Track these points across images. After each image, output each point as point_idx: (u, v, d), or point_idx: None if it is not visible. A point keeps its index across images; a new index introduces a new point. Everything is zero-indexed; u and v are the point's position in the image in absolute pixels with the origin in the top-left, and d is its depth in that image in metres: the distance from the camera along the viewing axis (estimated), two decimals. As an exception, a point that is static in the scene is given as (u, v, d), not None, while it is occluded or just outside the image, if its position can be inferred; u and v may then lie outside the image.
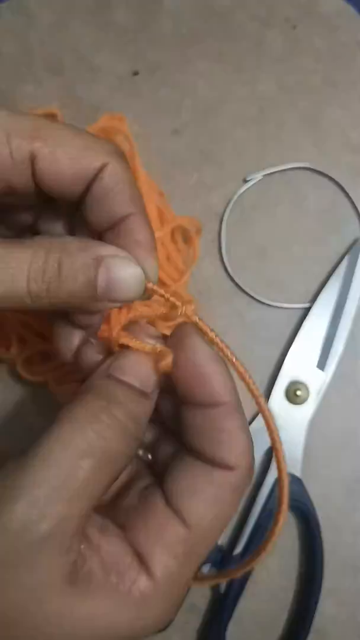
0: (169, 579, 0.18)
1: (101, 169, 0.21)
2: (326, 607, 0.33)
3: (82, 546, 0.18)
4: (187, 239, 0.34)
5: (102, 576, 0.18)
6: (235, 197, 0.36)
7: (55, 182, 0.20)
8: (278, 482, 0.21)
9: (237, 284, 0.35)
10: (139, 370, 0.20)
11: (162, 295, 0.21)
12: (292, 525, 0.34)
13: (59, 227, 0.24)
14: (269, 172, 0.36)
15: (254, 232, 0.36)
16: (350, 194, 0.36)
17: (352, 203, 0.36)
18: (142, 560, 0.18)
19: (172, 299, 0.21)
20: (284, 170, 0.36)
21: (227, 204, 0.36)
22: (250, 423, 0.33)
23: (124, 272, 0.20)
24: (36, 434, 0.32)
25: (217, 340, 0.21)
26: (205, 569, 0.32)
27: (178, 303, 0.21)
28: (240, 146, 0.36)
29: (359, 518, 0.34)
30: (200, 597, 0.33)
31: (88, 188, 0.21)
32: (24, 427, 0.34)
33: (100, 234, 0.22)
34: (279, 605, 0.33)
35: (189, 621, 0.33)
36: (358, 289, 0.35)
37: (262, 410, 0.21)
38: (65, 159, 0.20)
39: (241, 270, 0.35)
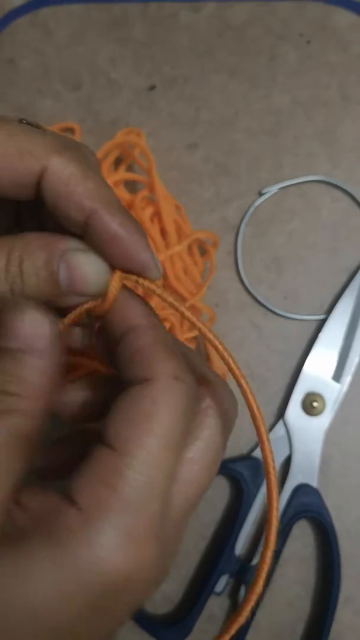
0: (100, 506, 0.17)
1: (43, 173, 0.19)
2: (343, 616, 0.34)
3: (13, 513, 0.18)
4: (204, 252, 0.35)
5: (31, 526, 0.17)
6: (251, 209, 0.37)
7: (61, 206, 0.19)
8: (268, 510, 0.20)
9: (253, 296, 0.36)
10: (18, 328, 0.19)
11: (151, 289, 0.20)
12: (309, 535, 0.34)
13: (35, 222, 0.23)
14: (284, 185, 0.37)
15: (270, 244, 0.37)
16: (364, 206, 0.37)
17: (367, 215, 0.37)
18: (70, 500, 0.17)
19: (158, 291, 0.20)
20: (299, 183, 0.38)
21: (243, 216, 0.37)
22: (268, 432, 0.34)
23: (84, 265, 0.19)
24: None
25: (221, 350, 0.20)
26: (223, 579, 0.33)
27: (168, 297, 0.20)
28: (256, 159, 0.38)
29: (375, 528, 0.34)
30: (218, 606, 0.34)
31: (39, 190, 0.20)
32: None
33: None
34: (297, 614, 0.34)
35: (208, 630, 0.34)
36: (373, 300, 0.36)
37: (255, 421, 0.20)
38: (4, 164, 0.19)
39: (257, 282, 0.37)
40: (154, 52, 0.38)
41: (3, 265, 0.19)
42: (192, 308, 0.33)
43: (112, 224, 0.19)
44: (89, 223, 0.19)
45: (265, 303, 0.36)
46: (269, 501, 0.20)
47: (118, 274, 0.20)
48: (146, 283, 0.20)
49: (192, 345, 0.35)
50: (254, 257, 0.37)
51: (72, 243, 0.20)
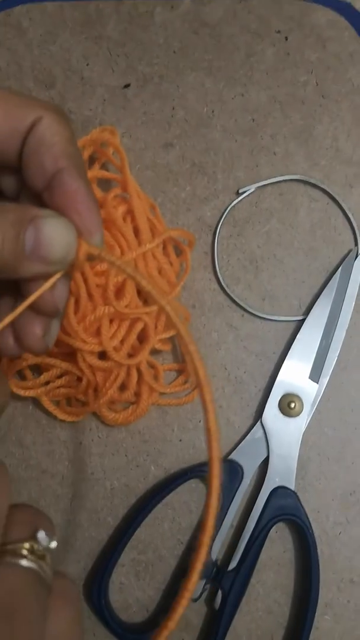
0: None
1: (35, 123, 0.21)
2: (322, 622, 0.34)
3: None
4: (180, 253, 0.35)
5: None
6: (228, 209, 0.37)
7: None
8: (207, 494, 0.19)
9: (230, 297, 0.36)
10: None
11: (109, 260, 0.21)
12: (287, 540, 0.34)
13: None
14: (261, 184, 0.37)
15: (247, 244, 0.37)
16: (343, 206, 0.37)
17: (345, 214, 0.37)
18: None
19: (118, 262, 0.21)
20: (277, 182, 0.38)
21: (220, 216, 0.37)
22: (246, 434, 0.34)
23: (54, 230, 0.20)
24: (25, 448, 0.33)
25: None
26: (200, 585, 0.33)
27: (126, 268, 0.21)
28: (233, 159, 0.38)
29: (355, 532, 0.34)
30: (195, 614, 0.34)
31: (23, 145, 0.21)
32: (13, 442, 0.35)
33: (39, 197, 0.22)
34: (275, 620, 0.34)
35: (184, 639, 0.33)
36: (351, 300, 0.36)
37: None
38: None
39: (234, 283, 0.36)
40: (129, 50, 0.38)
41: None
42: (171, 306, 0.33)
43: (77, 180, 0.21)
44: (56, 179, 0.21)
45: (243, 304, 0.36)
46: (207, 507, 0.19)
47: (84, 244, 0.21)
48: (116, 261, 0.21)
49: (167, 347, 0.35)
50: (231, 257, 0.37)
51: (45, 211, 0.20)
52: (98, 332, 0.31)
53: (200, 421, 0.35)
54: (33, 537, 0.18)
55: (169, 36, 0.39)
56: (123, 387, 0.33)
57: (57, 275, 0.21)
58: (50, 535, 0.18)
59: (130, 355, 0.32)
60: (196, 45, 0.39)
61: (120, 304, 0.31)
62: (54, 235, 0.20)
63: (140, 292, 0.33)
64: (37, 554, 0.18)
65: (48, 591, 0.18)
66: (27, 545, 0.18)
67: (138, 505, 0.34)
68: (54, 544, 0.18)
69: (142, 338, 0.33)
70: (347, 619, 0.34)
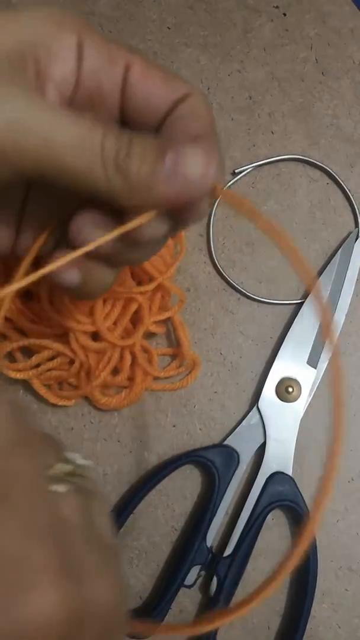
0: None
1: (186, 96, 0.23)
2: (320, 611, 0.34)
3: None
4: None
5: None
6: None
7: (143, 94, 0.22)
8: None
9: (226, 280, 0.36)
10: None
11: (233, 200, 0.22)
12: (283, 526, 0.35)
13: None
14: (258, 164, 0.37)
15: (244, 226, 0.37)
16: (343, 186, 0.37)
17: (346, 195, 0.38)
18: None
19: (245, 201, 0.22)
20: (275, 162, 0.38)
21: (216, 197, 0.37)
22: (241, 420, 0.35)
23: (195, 158, 0.21)
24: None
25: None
26: (194, 572, 0.33)
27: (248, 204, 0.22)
28: (229, 138, 0.38)
29: (353, 519, 0.35)
30: (189, 600, 0.34)
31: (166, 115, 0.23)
32: None
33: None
34: (271, 608, 0.34)
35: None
36: (351, 284, 0.36)
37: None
38: (158, 77, 0.23)
39: (231, 265, 0.37)
40: (122, 26, 0.38)
41: (114, 140, 0.20)
42: (161, 288, 0.33)
43: (216, 147, 0.22)
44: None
45: (239, 287, 0.36)
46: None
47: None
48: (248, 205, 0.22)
49: (162, 330, 0.35)
50: (226, 239, 0.37)
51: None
52: (91, 312, 0.31)
53: (195, 406, 0.35)
54: (64, 459, 0.19)
55: (163, 11, 0.39)
56: (116, 372, 0.33)
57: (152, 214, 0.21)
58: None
59: (123, 338, 0.32)
60: (191, 21, 0.39)
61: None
62: (197, 161, 0.20)
63: (133, 273, 0.33)
64: (77, 474, 0.19)
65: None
66: (66, 468, 0.18)
67: (131, 492, 0.34)
68: (87, 462, 0.19)
69: (135, 322, 0.33)
70: (345, 608, 0.34)
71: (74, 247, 0.22)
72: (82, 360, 0.32)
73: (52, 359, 0.32)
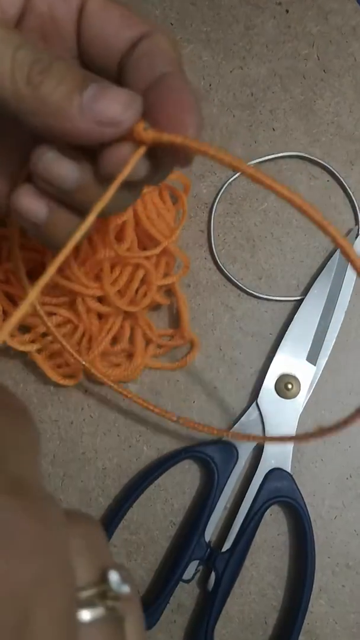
0: None
1: (148, 34, 0.22)
2: (317, 607, 0.35)
3: None
4: (175, 200, 0.36)
5: None
6: (225, 186, 0.37)
7: (99, 29, 0.22)
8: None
9: (227, 276, 0.37)
10: None
11: (167, 142, 0.20)
12: (282, 522, 0.35)
13: None
14: (259, 161, 0.38)
15: (244, 222, 0.37)
16: (344, 183, 0.38)
17: (346, 193, 0.38)
18: None
19: (182, 140, 0.20)
20: (276, 158, 0.38)
21: (217, 193, 0.37)
22: (241, 416, 0.35)
23: (117, 97, 0.20)
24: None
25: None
26: (192, 566, 0.33)
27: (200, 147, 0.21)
28: (230, 134, 0.38)
29: (351, 516, 0.35)
30: (187, 595, 0.34)
31: (127, 54, 0.22)
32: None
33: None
34: (268, 604, 0.35)
35: (176, 620, 0.34)
36: (351, 281, 0.36)
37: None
38: (116, 12, 0.22)
39: (231, 262, 0.37)
40: (125, 21, 0.39)
41: (30, 52, 0.20)
42: (166, 253, 0.34)
43: (184, 83, 0.22)
44: (164, 78, 0.21)
45: (239, 283, 0.37)
46: None
47: (142, 123, 0.20)
48: (178, 138, 0.20)
49: (166, 302, 0.35)
50: (227, 236, 0.37)
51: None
52: (98, 278, 0.32)
53: (194, 402, 0.36)
54: (104, 579, 0.16)
55: (165, 7, 0.39)
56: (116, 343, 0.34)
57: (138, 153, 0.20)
58: (124, 577, 0.16)
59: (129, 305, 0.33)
60: (194, 17, 0.39)
61: (122, 247, 0.31)
62: (120, 95, 0.20)
63: (140, 238, 0.33)
64: (110, 597, 0.16)
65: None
66: (98, 589, 0.16)
67: (130, 486, 0.35)
68: (126, 589, 0.16)
69: (140, 293, 0.34)
70: (342, 604, 0.35)
71: (36, 178, 0.22)
72: (86, 325, 0.32)
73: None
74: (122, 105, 0.20)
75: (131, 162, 0.21)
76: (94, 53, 0.23)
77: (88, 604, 0.15)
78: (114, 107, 0.20)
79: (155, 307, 0.36)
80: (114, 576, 0.16)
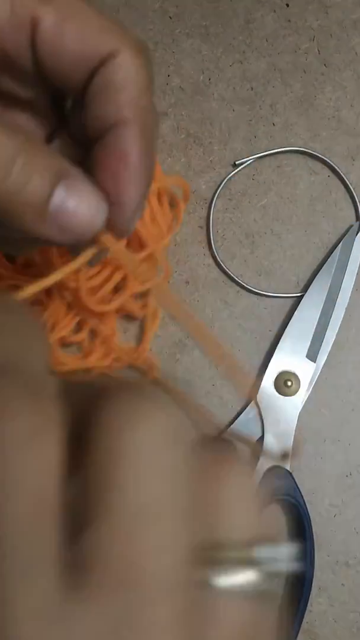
0: None
1: (110, 56, 0.19)
2: (317, 606, 0.34)
3: None
4: (174, 205, 0.35)
5: None
6: (224, 182, 0.37)
7: (54, 57, 0.19)
8: None
9: (226, 273, 0.37)
10: None
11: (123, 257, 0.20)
12: (281, 520, 0.35)
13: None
14: (259, 156, 0.37)
15: (244, 218, 0.37)
16: (345, 179, 0.37)
17: (347, 188, 0.38)
18: None
19: (124, 256, 0.21)
20: (275, 153, 0.38)
21: (216, 189, 0.37)
22: (239, 413, 0.35)
23: (87, 200, 0.19)
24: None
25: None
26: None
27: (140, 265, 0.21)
28: (230, 129, 0.38)
29: (351, 514, 0.35)
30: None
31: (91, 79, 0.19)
32: None
33: (90, 146, 0.20)
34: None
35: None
36: (351, 277, 0.36)
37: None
38: (71, 34, 0.18)
39: (230, 258, 0.37)
40: (122, 15, 0.38)
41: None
42: (150, 257, 0.34)
43: (134, 142, 0.19)
44: (114, 129, 0.19)
45: (238, 280, 0.36)
46: None
47: (105, 237, 0.20)
48: (125, 256, 0.21)
49: (141, 313, 0.35)
50: (226, 232, 0.37)
51: (80, 173, 0.19)
52: (77, 270, 0.32)
53: (192, 399, 0.36)
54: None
55: (164, 1, 0.39)
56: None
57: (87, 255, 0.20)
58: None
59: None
60: (193, 11, 0.39)
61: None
62: (86, 206, 0.19)
63: (129, 239, 0.33)
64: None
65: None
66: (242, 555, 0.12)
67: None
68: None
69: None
70: (341, 602, 0.35)
71: None
72: (53, 310, 0.33)
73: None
74: (92, 210, 0.19)
75: (83, 258, 0.20)
76: (56, 81, 0.20)
77: (226, 566, 0.11)
78: (80, 219, 0.19)
79: (130, 317, 0.36)
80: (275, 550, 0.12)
